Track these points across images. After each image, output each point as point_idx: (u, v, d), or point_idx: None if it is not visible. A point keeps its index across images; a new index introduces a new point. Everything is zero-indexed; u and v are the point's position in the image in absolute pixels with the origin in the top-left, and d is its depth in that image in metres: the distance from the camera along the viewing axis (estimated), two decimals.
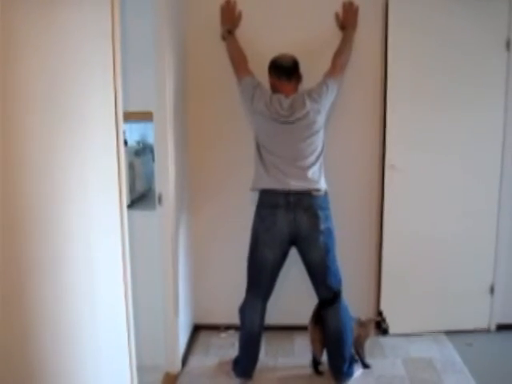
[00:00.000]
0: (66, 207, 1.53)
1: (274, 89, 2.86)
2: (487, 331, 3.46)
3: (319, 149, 2.79)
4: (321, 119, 2.78)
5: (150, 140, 3.40)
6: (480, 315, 3.47)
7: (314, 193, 2.71)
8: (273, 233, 2.73)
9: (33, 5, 1.35)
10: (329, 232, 2.76)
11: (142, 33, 2.80)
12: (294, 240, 2.76)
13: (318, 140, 2.78)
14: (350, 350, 2.89)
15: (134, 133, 3.57)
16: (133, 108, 2.80)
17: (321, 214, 2.71)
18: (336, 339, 2.81)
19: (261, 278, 2.84)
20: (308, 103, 2.73)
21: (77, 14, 1.62)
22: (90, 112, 1.71)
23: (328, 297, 2.79)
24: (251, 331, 2.88)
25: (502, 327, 3.47)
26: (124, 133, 3.39)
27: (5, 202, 1.21)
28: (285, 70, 2.83)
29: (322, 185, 2.76)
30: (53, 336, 1.47)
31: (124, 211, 2.02)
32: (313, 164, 2.75)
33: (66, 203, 1.54)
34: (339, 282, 2.83)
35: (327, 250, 2.75)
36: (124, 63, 2.17)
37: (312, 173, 2.73)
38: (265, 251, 2.77)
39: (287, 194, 2.70)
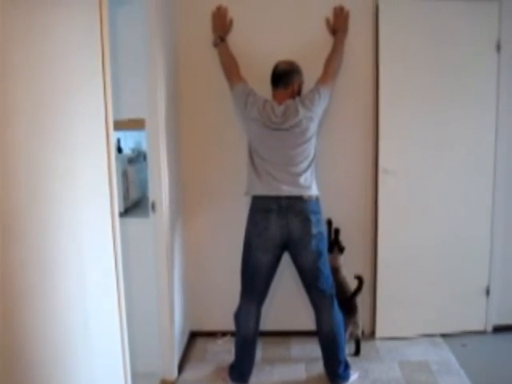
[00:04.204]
0: (56, 217, 1.54)
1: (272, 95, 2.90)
2: (483, 333, 3.46)
3: (311, 155, 2.80)
4: (313, 126, 2.79)
5: (145, 147, 3.41)
6: (476, 317, 3.48)
7: (306, 197, 2.73)
8: (265, 237, 2.74)
9: (23, 13, 1.36)
10: (321, 236, 2.77)
11: (133, 40, 2.81)
12: (287, 244, 2.77)
13: (311, 147, 2.80)
14: (345, 352, 2.90)
15: (129, 140, 3.59)
16: (125, 116, 2.82)
17: (313, 218, 2.72)
18: (330, 342, 2.83)
19: (255, 283, 2.85)
20: (301, 111, 2.74)
21: (65, 22, 1.63)
22: (79, 121, 1.72)
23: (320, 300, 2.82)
24: (246, 336, 2.89)
25: (498, 329, 3.47)
26: (118, 141, 3.44)
27: None
28: (275, 78, 2.85)
29: (314, 191, 2.78)
30: (45, 344, 1.48)
31: (116, 219, 2.03)
32: (305, 170, 2.76)
33: (57, 212, 1.55)
34: (331, 285, 2.84)
35: (319, 254, 2.76)
36: (116, 71, 2.18)
37: (304, 179, 2.75)
38: (258, 255, 2.78)
39: (279, 198, 2.71)
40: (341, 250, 3.23)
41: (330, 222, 3.30)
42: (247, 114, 2.83)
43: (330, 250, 3.20)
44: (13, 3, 1.32)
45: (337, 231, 3.28)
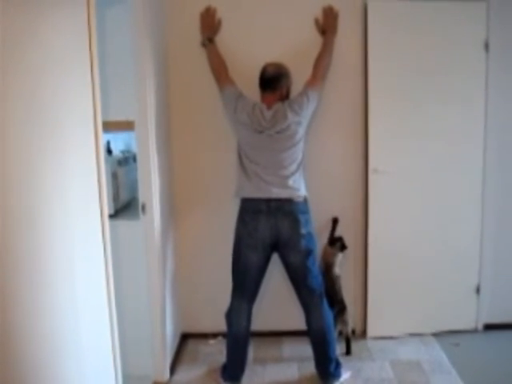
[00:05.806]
0: (46, 218, 1.54)
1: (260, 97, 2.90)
2: (474, 331, 3.48)
3: (300, 158, 2.82)
4: (302, 130, 2.80)
5: (135, 149, 3.39)
6: (467, 316, 3.49)
7: (295, 198, 2.74)
8: (255, 237, 2.75)
9: (18, 16, 1.35)
10: (310, 236, 2.78)
11: (122, 41, 2.79)
12: (276, 244, 2.78)
13: (299, 149, 2.81)
14: (336, 350, 2.90)
15: (119, 142, 3.57)
16: (114, 117, 2.80)
17: (301, 218, 2.74)
18: (320, 340, 2.84)
19: (245, 281, 2.85)
20: (289, 115, 2.74)
21: (55, 25, 1.63)
22: (68, 122, 1.72)
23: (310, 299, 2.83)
24: (238, 334, 2.89)
25: (489, 327, 3.49)
26: (108, 142, 3.42)
27: None
28: (263, 82, 2.86)
29: (303, 192, 2.79)
30: (35, 348, 1.47)
31: (105, 221, 2.02)
32: (294, 173, 2.78)
33: (46, 214, 1.54)
34: (320, 284, 2.86)
35: (308, 253, 2.77)
36: (105, 72, 2.17)
37: (293, 181, 2.76)
38: (248, 255, 2.79)
39: (268, 200, 2.72)
40: (342, 248, 3.23)
41: (335, 221, 3.31)
42: (237, 118, 2.83)
43: (331, 243, 3.23)
44: (12, 5, 1.31)
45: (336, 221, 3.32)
